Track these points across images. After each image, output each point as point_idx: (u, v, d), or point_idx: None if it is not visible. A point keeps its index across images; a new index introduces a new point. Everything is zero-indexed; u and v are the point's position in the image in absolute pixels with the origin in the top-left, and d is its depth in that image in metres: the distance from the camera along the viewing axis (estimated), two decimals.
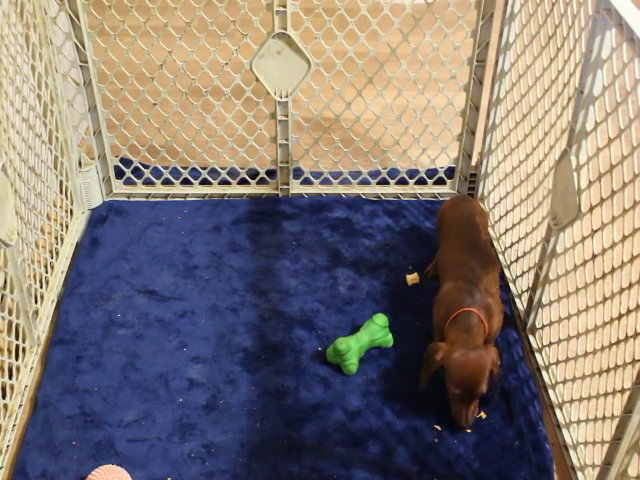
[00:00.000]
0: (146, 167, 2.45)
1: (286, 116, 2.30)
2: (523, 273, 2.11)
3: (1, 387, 1.79)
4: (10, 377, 1.83)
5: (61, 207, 2.27)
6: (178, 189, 2.47)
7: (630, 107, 1.49)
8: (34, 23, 2.01)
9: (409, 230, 2.35)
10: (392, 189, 2.48)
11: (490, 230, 2.34)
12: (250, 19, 2.12)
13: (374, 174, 2.48)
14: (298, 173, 2.47)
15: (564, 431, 1.81)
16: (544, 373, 1.94)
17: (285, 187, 2.46)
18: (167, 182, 2.46)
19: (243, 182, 2.48)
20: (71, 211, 2.35)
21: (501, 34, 2.10)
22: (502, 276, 2.17)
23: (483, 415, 1.84)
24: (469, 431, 1.80)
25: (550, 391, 1.90)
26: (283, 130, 2.33)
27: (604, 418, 1.63)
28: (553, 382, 1.91)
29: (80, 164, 2.36)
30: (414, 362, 1.93)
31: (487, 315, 1.82)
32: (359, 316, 2.06)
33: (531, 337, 2.04)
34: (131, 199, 2.46)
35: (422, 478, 1.71)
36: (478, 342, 1.78)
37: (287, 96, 2.25)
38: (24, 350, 1.93)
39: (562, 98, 1.80)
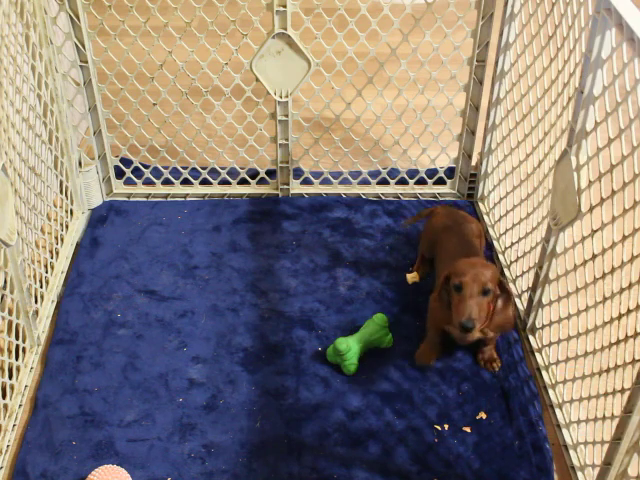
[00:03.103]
0: (146, 167, 2.45)
1: (286, 116, 2.30)
2: (523, 273, 2.11)
3: (1, 387, 1.79)
4: (10, 377, 1.83)
5: (61, 207, 2.27)
6: (178, 189, 2.47)
7: (630, 107, 1.49)
8: (34, 23, 2.01)
9: (409, 230, 2.34)
10: (392, 189, 2.48)
11: (490, 230, 2.34)
12: (250, 19, 2.12)
13: (374, 174, 2.48)
14: (298, 173, 2.47)
15: (564, 431, 1.81)
16: (544, 373, 1.94)
17: (285, 187, 2.46)
18: (167, 182, 2.46)
19: (243, 182, 2.48)
20: (71, 211, 2.35)
21: (501, 34, 2.10)
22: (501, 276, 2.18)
23: (483, 415, 1.84)
24: (469, 431, 1.80)
25: (550, 391, 1.90)
26: (283, 130, 2.33)
27: (604, 418, 1.63)
28: (553, 382, 1.91)
29: (80, 164, 2.36)
30: (414, 362, 1.93)
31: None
32: (359, 316, 2.06)
33: (531, 337, 2.04)
34: (131, 199, 2.46)
35: (422, 478, 1.71)
36: None
37: (287, 96, 2.25)
38: (24, 350, 1.93)
39: (562, 98, 1.80)
